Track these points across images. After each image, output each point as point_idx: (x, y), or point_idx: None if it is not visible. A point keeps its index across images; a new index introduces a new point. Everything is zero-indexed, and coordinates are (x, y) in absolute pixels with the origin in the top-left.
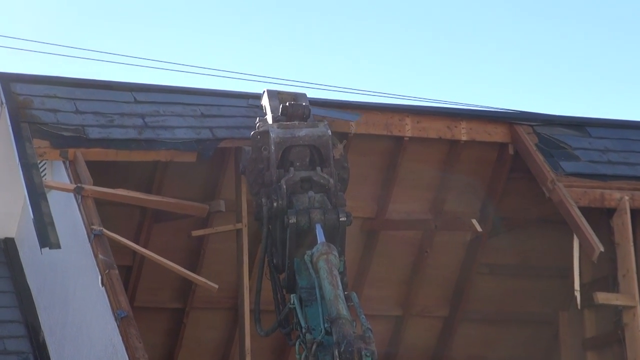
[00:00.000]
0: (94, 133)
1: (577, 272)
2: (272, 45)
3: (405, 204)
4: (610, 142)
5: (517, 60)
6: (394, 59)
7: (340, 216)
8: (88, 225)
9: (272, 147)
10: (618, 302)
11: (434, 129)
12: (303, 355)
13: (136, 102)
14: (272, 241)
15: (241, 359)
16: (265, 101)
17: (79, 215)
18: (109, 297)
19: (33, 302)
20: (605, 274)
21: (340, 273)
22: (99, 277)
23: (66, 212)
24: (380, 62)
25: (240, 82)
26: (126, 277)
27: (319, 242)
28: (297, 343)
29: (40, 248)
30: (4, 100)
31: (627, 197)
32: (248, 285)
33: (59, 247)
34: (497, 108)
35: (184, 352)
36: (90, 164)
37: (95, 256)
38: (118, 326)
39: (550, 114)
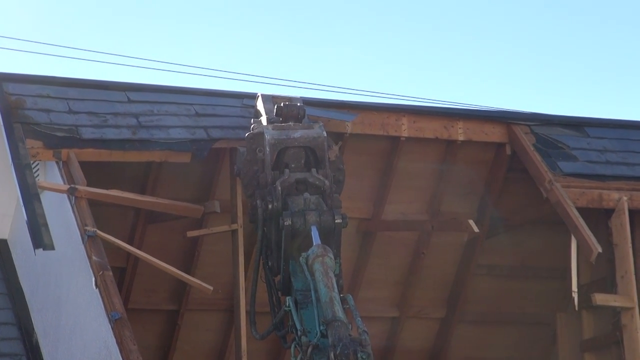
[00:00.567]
0: (88, 133)
1: (575, 273)
2: (267, 45)
3: (402, 204)
4: (609, 142)
5: (515, 59)
6: (390, 59)
7: (335, 218)
8: (82, 226)
9: (267, 149)
10: (616, 304)
11: (431, 129)
12: (299, 358)
13: (130, 101)
14: (267, 243)
15: None
16: (259, 105)
17: (73, 216)
18: (102, 298)
19: (26, 304)
20: (603, 275)
21: (336, 275)
22: (93, 279)
23: (60, 213)
24: (376, 62)
25: (235, 81)
26: (120, 278)
27: (314, 244)
28: (293, 346)
29: (34, 249)
30: None
31: (625, 198)
32: (244, 287)
33: (52, 248)
34: (494, 108)
35: (178, 354)
36: (84, 165)
37: (89, 257)
38: (112, 328)
39: (548, 114)
